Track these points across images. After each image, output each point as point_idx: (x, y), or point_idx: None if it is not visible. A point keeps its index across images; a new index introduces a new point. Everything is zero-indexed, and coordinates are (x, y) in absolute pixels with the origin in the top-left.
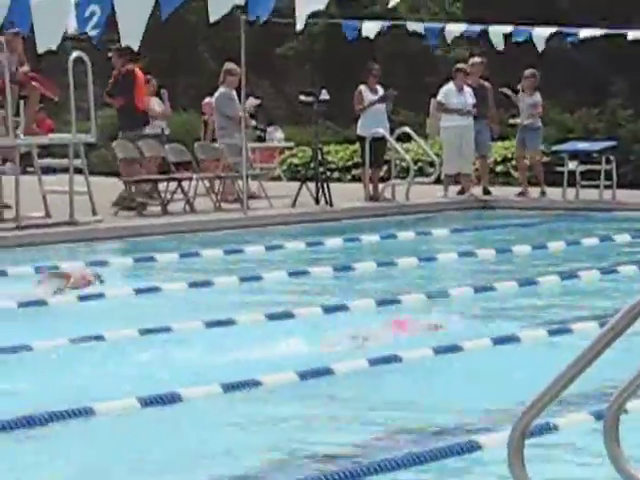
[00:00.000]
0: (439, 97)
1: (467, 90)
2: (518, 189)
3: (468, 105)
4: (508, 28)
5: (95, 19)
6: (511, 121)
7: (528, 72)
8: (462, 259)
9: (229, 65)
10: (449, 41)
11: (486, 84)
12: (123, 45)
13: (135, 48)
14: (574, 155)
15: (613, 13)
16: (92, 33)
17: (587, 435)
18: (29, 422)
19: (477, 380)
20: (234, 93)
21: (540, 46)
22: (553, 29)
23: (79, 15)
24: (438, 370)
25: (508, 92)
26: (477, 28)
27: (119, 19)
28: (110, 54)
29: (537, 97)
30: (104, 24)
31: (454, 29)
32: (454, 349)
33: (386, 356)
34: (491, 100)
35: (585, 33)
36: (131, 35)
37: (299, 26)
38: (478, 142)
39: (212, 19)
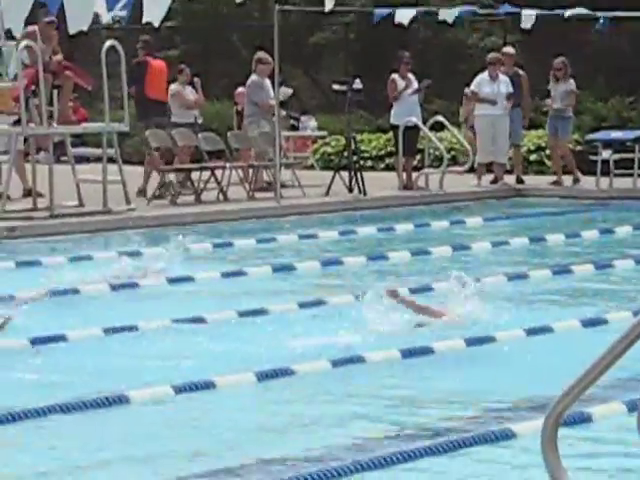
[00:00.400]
0: (472, 86)
1: (503, 79)
2: (551, 178)
3: (502, 94)
4: (535, 11)
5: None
6: (545, 107)
7: (558, 61)
8: (496, 248)
9: (260, 54)
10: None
11: (520, 72)
12: (144, 21)
13: (156, 24)
14: (608, 144)
15: None
16: (121, 14)
17: (620, 425)
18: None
19: (513, 369)
20: (266, 82)
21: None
22: (584, 10)
23: None
24: (473, 359)
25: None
26: (508, 9)
27: None
28: (138, 45)
29: (571, 85)
30: (132, 4)
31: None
32: (488, 340)
33: (421, 347)
34: (525, 89)
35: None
36: (153, 12)
37: (328, 7)
38: (512, 131)
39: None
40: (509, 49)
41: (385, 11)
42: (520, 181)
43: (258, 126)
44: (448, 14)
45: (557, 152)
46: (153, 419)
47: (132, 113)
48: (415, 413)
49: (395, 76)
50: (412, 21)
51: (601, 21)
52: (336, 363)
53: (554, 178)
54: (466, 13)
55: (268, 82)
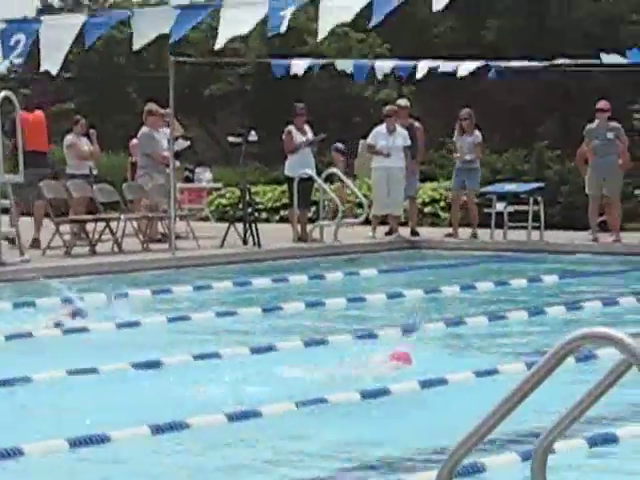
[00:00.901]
0: (369, 139)
1: (400, 132)
2: (446, 230)
3: (398, 147)
4: (436, 62)
5: (20, 47)
6: (454, 159)
7: (465, 112)
8: (391, 300)
9: (150, 105)
10: (379, 77)
11: (416, 124)
12: (42, 70)
13: (54, 72)
14: (502, 196)
15: (541, 48)
16: (16, 61)
17: (515, 476)
18: None
19: (407, 420)
20: (157, 133)
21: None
22: (480, 63)
23: (4, 43)
24: (367, 410)
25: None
26: (407, 64)
27: (42, 45)
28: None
29: (477, 136)
30: (28, 52)
31: (384, 65)
32: (383, 392)
33: (315, 398)
34: (420, 141)
35: (515, 65)
36: (51, 60)
37: (217, 46)
38: (406, 183)
39: (136, 47)
40: (403, 101)
41: (283, 63)
42: (415, 233)
43: (150, 178)
44: (345, 64)
45: (458, 205)
46: (47, 472)
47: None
48: (302, 466)
49: (291, 127)
50: (307, 71)
51: (492, 70)
52: (232, 417)
53: (449, 230)
54: (362, 68)
55: (162, 133)
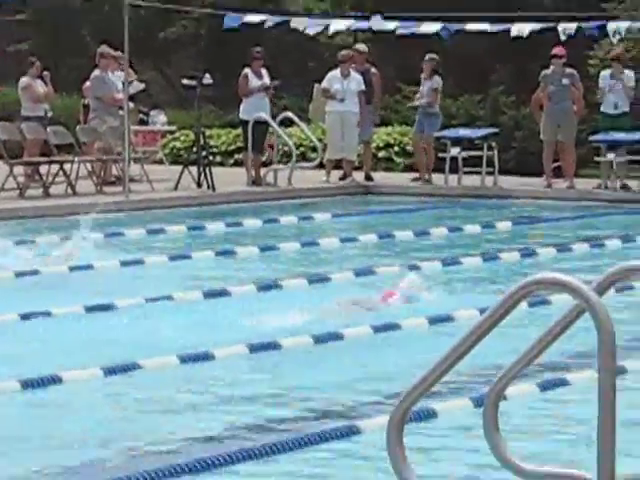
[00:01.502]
0: (323, 83)
1: (355, 76)
2: (400, 174)
3: (352, 92)
4: (392, 24)
5: None
6: (410, 104)
7: (427, 57)
8: (344, 244)
9: (103, 47)
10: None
11: (372, 70)
12: None
13: None
14: (457, 141)
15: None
16: None
17: (467, 421)
18: None
19: (359, 365)
20: (109, 75)
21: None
22: (438, 24)
23: None
24: (321, 356)
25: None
26: (363, 24)
27: None
28: None
29: (435, 81)
30: None
31: (339, 26)
32: (335, 337)
33: (269, 342)
34: (377, 86)
35: (470, 27)
36: None
37: None
38: (361, 128)
39: None
40: (361, 46)
41: (235, 17)
42: (369, 178)
43: (102, 120)
44: (300, 22)
45: (421, 147)
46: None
47: None
48: (250, 411)
49: (247, 71)
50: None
51: (445, 32)
52: (184, 359)
53: (404, 175)
54: (318, 24)
55: (116, 76)
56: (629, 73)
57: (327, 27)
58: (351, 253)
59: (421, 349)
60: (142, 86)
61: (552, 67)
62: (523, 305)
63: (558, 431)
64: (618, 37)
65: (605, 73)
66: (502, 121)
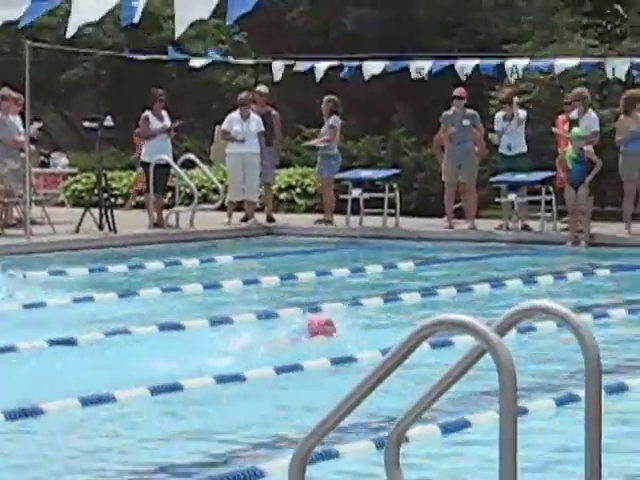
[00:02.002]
0: (223, 125)
1: (254, 118)
2: (302, 216)
3: (252, 133)
4: (291, 63)
5: None
6: (305, 143)
7: (325, 98)
8: (246, 286)
9: (4, 90)
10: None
11: (273, 112)
12: None
13: None
14: (358, 183)
15: (397, 42)
16: None
17: (369, 463)
18: None
19: (263, 406)
20: (10, 118)
21: (318, 75)
22: (334, 62)
23: None
24: (221, 397)
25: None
26: (263, 60)
27: None
28: None
29: (334, 120)
30: None
31: (240, 61)
32: (238, 378)
33: (171, 384)
34: (277, 128)
35: (368, 68)
36: None
37: (69, 34)
38: (263, 169)
39: None
40: (262, 88)
41: (139, 56)
42: (271, 219)
43: (3, 163)
44: (198, 62)
45: (325, 190)
46: None
47: None
48: (161, 453)
49: (148, 113)
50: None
51: (346, 69)
52: (85, 401)
53: (306, 216)
54: (217, 61)
55: (16, 118)
56: (522, 112)
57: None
58: (253, 295)
59: (323, 390)
60: (39, 125)
61: (453, 108)
62: (425, 345)
63: (460, 472)
64: (515, 76)
65: (499, 115)
66: (403, 162)
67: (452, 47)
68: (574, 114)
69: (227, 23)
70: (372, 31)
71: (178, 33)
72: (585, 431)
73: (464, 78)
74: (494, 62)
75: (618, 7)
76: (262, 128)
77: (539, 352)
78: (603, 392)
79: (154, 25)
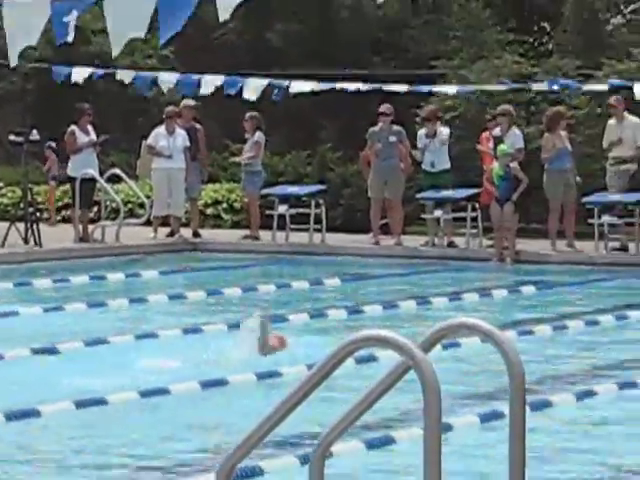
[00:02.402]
0: (149, 140)
1: (180, 133)
2: (228, 231)
3: (178, 148)
4: (219, 79)
5: None
6: (232, 159)
7: (247, 115)
8: (172, 301)
9: None
10: (164, 90)
11: (198, 126)
12: None
13: None
14: (284, 199)
15: (323, 59)
16: None
17: (293, 478)
18: None
19: (189, 421)
20: None
21: (252, 96)
22: (265, 81)
23: None
24: (144, 411)
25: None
26: (191, 78)
27: None
28: None
29: (258, 136)
30: None
31: (167, 78)
32: (161, 392)
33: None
34: (202, 143)
35: (296, 87)
36: None
37: (12, 64)
38: (189, 184)
39: None
40: (189, 102)
41: (64, 70)
42: (197, 234)
43: None
44: (126, 75)
45: (250, 206)
46: None
47: None
48: (86, 466)
49: (74, 128)
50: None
51: (276, 91)
52: (9, 416)
53: (232, 231)
54: (143, 79)
55: None
56: (444, 130)
57: (156, 82)
58: (179, 310)
59: (248, 404)
60: None
61: (379, 124)
62: (350, 361)
63: None
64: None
65: (421, 132)
66: (330, 178)
67: (381, 64)
68: (497, 131)
69: (160, 43)
70: (298, 47)
71: (115, 52)
72: (509, 447)
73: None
74: (423, 88)
75: (545, 24)
76: (188, 143)
77: (465, 368)
78: (527, 408)
79: (83, 39)
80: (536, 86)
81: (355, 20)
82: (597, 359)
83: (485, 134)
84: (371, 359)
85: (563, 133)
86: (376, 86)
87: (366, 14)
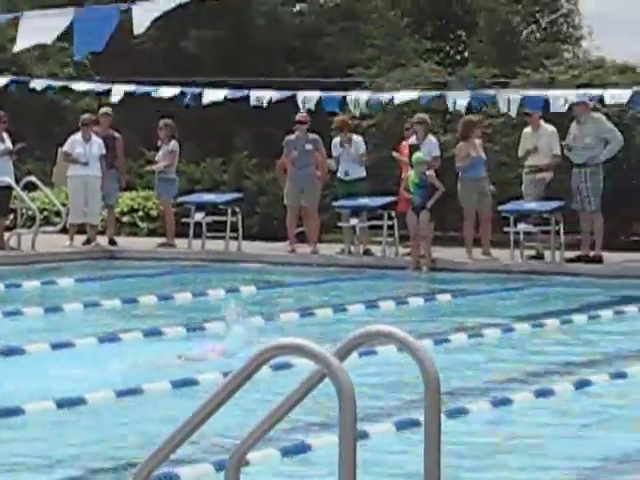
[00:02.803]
0: (65, 147)
1: (96, 140)
2: (144, 239)
3: (94, 156)
4: (131, 87)
5: None
6: (148, 168)
7: (161, 123)
8: (88, 309)
9: None
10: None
11: (116, 134)
12: None
13: None
14: (200, 207)
15: (237, 67)
16: None
17: None
18: None
19: (103, 430)
20: None
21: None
22: (177, 90)
23: None
24: (61, 421)
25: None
26: (105, 86)
27: None
28: None
29: (170, 145)
30: None
31: (81, 87)
32: (79, 401)
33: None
34: (120, 150)
35: (209, 96)
36: None
37: None
38: (105, 192)
39: None
40: (107, 110)
41: None
42: (113, 242)
43: None
44: (41, 84)
45: (166, 214)
46: None
47: None
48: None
49: None
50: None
51: (188, 96)
52: None
53: (148, 239)
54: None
55: None
56: (357, 139)
57: (71, 90)
58: (94, 318)
59: (162, 413)
60: None
61: (296, 132)
62: (266, 370)
63: None
64: (359, 111)
65: (335, 141)
66: (246, 186)
67: (295, 72)
68: (412, 139)
69: (76, 58)
70: (213, 54)
71: (18, 48)
72: (424, 454)
73: (304, 112)
74: (336, 94)
75: (461, 32)
76: (104, 151)
77: (381, 377)
78: (443, 416)
79: None
80: (451, 101)
81: (270, 28)
82: (513, 367)
83: (404, 143)
84: (288, 366)
85: (478, 141)
86: (288, 93)
87: (282, 21)
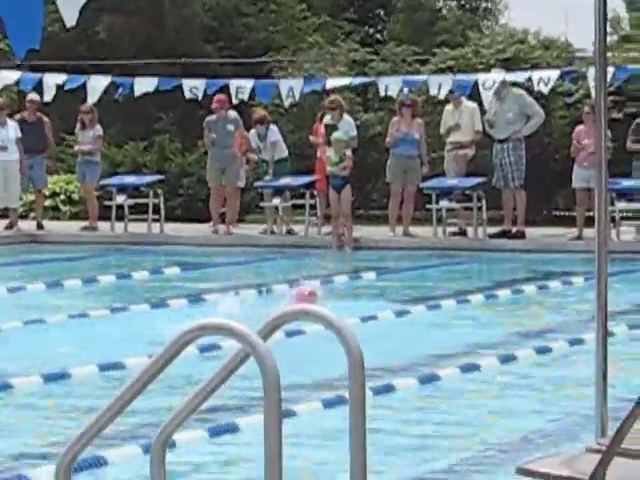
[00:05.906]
0: None
1: (12, 125)
2: (67, 223)
3: (11, 140)
4: (62, 77)
5: None
6: (75, 149)
7: (86, 106)
8: (12, 294)
9: None
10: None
11: (45, 119)
12: None
13: None
14: (122, 189)
15: (155, 50)
16: None
17: (136, 468)
18: None
19: (29, 415)
20: None
21: (94, 96)
22: (106, 80)
23: None
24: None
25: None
26: (32, 76)
27: None
28: None
29: (98, 130)
30: None
31: (9, 75)
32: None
33: None
34: (49, 133)
35: (140, 86)
36: None
37: None
38: (33, 176)
39: None
40: (33, 96)
41: None
42: (40, 226)
43: None
44: None
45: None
46: None
47: None
48: None
49: None
50: None
51: (120, 90)
52: None
53: (71, 223)
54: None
55: None
56: (273, 129)
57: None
58: (19, 302)
59: (90, 396)
60: None
61: (216, 114)
62: (193, 349)
63: (227, 476)
64: (292, 101)
65: (252, 132)
66: (168, 168)
67: (213, 53)
68: (327, 119)
69: (19, 59)
70: (128, 38)
71: None
72: (350, 431)
73: (236, 101)
74: (269, 82)
75: (380, 11)
76: (19, 134)
77: (308, 355)
78: (369, 393)
79: None
80: (382, 85)
81: (186, 8)
82: (439, 343)
83: (318, 124)
84: (217, 347)
85: (419, 121)
86: (220, 83)
87: (198, 2)
